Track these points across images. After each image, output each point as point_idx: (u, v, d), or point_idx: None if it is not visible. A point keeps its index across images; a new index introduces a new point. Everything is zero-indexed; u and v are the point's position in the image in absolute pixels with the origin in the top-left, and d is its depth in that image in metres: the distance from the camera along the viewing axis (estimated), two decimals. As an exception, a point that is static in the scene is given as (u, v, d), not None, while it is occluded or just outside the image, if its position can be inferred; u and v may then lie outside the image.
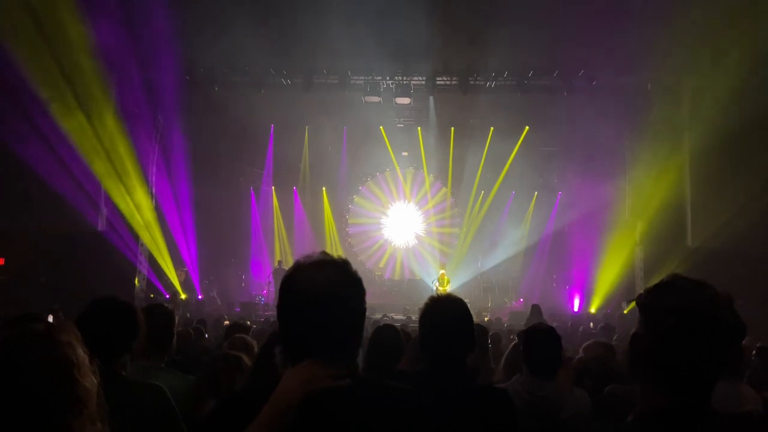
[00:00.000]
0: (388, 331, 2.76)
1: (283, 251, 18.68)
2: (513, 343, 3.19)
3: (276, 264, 16.39)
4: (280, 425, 1.16)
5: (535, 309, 9.77)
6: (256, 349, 3.18)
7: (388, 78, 15.15)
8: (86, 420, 1.04)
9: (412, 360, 2.41)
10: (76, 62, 11.05)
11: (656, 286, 1.17)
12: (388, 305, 15.15)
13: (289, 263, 18.09)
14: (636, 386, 1.18)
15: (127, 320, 2.09)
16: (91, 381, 1.08)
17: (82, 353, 1.09)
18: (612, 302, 14.45)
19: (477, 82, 14.83)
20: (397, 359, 2.56)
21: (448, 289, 15.37)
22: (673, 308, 1.10)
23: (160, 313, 2.62)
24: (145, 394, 1.96)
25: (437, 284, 15.51)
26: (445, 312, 1.86)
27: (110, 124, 12.49)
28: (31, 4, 10.06)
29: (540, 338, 2.59)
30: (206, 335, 6.75)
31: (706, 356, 1.09)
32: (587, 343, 3.33)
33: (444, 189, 20.00)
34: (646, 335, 1.15)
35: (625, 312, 13.28)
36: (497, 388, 1.98)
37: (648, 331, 1.15)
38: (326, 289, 1.26)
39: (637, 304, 1.18)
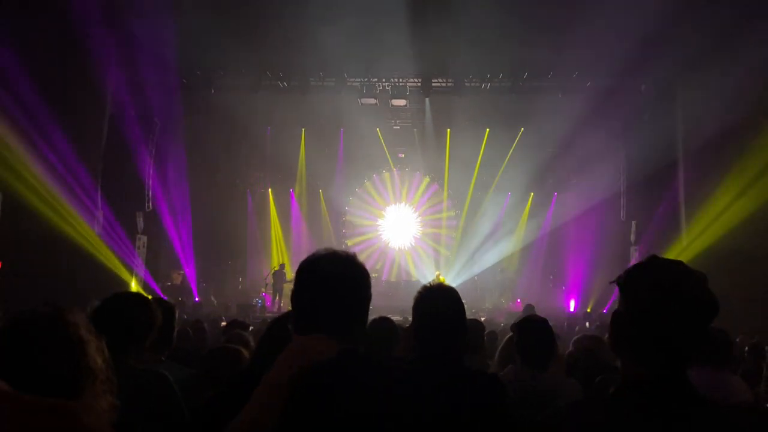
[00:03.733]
0: (383, 322, 2.83)
1: (279, 253, 18.71)
2: (508, 336, 3.25)
3: (277, 266, 16.40)
4: (275, 401, 1.24)
5: (529, 308, 9.85)
6: (252, 344, 3.23)
7: (384, 80, 15.22)
8: (98, 391, 1.10)
9: (407, 349, 2.47)
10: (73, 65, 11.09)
11: (635, 265, 1.23)
12: (385, 307, 15.12)
13: (287, 267, 18.21)
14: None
15: (144, 313, 2.20)
16: (100, 356, 1.13)
17: (88, 332, 1.14)
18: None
19: (472, 84, 14.92)
20: (391, 348, 2.62)
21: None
22: (651, 285, 1.17)
23: (162, 307, 2.67)
24: (150, 381, 2.03)
25: (434, 286, 15.54)
26: (437, 299, 1.92)
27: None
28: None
29: (533, 329, 2.65)
30: (204, 334, 6.76)
31: (681, 330, 1.15)
32: (577, 336, 3.39)
33: (440, 190, 20.08)
34: (625, 312, 1.21)
35: (620, 311, 13.32)
36: (487, 373, 2.04)
37: (627, 308, 1.21)
38: (335, 272, 1.45)
39: (617, 283, 1.24)
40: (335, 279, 1.43)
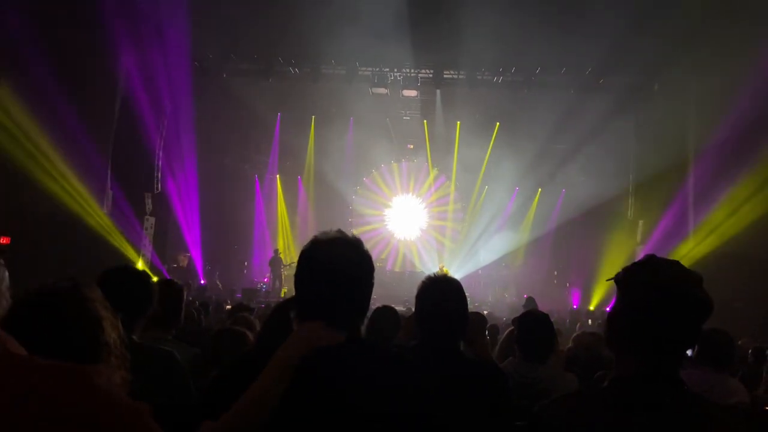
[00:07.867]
0: (386, 311, 2.88)
1: (285, 239, 18.82)
2: (509, 330, 3.29)
3: (273, 253, 16.54)
4: (281, 380, 1.25)
5: (530, 301, 9.91)
6: (257, 328, 3.29)
7: (395, 70, 15.18)
8: (114, 365, 1.15)
9: (408, 337, 2.52)
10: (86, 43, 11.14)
11: (633, 264, 1.27)
12: (388, 296, 15.21)
13: (292, 253, 18.30)
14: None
15: (143, 287, 2.22)
16: (115, 332, 1.18)
17: (105, 308, 1.19)
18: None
19: (484, 77, 14.86)
20: (393, 335, 2.67)
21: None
22: (648, 284, 1.21)
23: (170, 287, 2.73)
24: (158, 357, 2.08)
25: (438, 278, 15.60)
26: (440, 289, 1.97)
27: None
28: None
29: (533, 323, 2.69)
30: (209, 316, 6.86)
31: (674, 329, 1.19)
32: (577, 333, 3.43)
33: (448, 182, 20.07)
34: (622, 308, 1.25)
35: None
36: (488, 362, 2.08)
37: (624, 305, 1.25)
38: (338, 262, 1.40)
39: (614, 280, 1.28)
40: (340, 270, 1.39)
